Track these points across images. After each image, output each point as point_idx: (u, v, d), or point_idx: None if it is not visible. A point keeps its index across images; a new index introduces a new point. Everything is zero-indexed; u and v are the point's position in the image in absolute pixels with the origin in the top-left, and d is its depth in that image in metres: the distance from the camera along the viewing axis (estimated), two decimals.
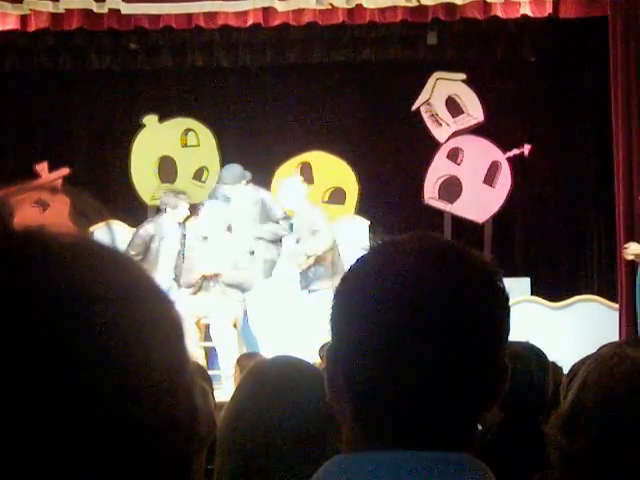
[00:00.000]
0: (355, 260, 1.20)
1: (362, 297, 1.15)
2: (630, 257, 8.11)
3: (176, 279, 8.52)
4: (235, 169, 9.01)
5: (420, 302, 1.13)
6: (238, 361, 6.14)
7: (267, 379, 1.83)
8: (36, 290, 0.59)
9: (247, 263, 8.49)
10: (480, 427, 1.16)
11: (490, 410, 1.18)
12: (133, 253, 8.42)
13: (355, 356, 1.14)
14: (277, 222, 8.88)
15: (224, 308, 8.24)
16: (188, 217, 8.90)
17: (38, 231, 0.64)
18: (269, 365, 1.91)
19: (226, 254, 8.36)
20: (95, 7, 8.25)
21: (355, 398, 1.15)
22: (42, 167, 9.66)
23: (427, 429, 1.13)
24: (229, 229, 8.68)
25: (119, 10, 8.31)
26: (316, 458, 1.17)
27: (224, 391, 6.87)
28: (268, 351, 6.75)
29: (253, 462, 1.76)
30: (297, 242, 8.46)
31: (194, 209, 9.17)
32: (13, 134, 10.21)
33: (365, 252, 1.21)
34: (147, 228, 8.77)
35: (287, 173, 9.73)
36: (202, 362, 7.73)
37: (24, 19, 8.66)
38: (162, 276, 8.33)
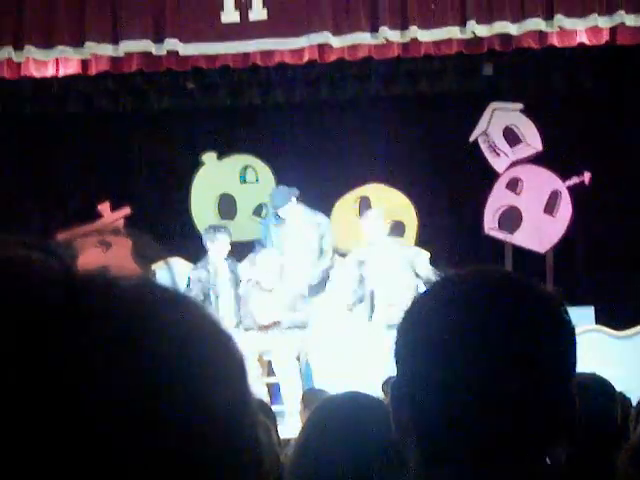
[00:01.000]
0: (419, 294, 1.20)
1: (428, 332, 1.14)
2: None
3: (236, 320, 8.52)
4: (281, 190, 9.07)
5: (486, 336, 1.12)
6: (303, 397, 6.14)
7: (333, 415, 1.83)
8: (100, 337, 0.60)
9: (302, 304, 8.48)
10: (549, 461, 1.14)
11: (559, 444, 1.16)
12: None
13: (421, 392, 1.14)
14: (324, 251, 8.85)
15: (285, 344, 8.26)
16: (243, 250, 8.94)
17: (101, 275, 0.64)
18: (336, 401, 1.91)
19: (282, 300, 8.37)
20: (154, 49, 8.38)
21: (421, 433, 1.14)
22: (104, 207, 9.80)
23: (495, 464, 1.12)
24: (282, 271, 8.66)
25: (177, 51, 8.43)
26: None
27: (288, 427, 6.85)
28: (328, 386, 6.73)
29: None
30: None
31: (254, 246, 9.22)
32: (76, 175, 10.38)
33: (428, 286, 1.20)
34: (200, 270, 8.75)
35: (346, 207, 9.75)
36: (265, 398, 7.74)
37: (85, 63, 8.82)
38: (222, 315, 8.38)
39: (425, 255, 8.62)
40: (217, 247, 8.72)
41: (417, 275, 8.39)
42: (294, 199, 8.94)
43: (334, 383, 6.82)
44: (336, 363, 8.43)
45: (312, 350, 8.51)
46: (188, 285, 8.60)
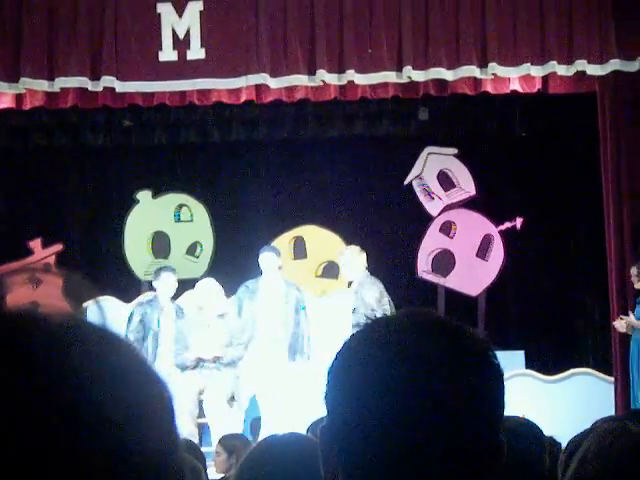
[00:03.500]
0: (349, 336, 1.20)
1: (358, 375, 1.14)
2: (622, 330, 8.13)
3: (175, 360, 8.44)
4: (273, 247, 9.04)
5: (417, 380, 1.12)
6: (221, 442, 6.05)
7: (268, 456, 1.82)
8: (24, 374, 0.59)
9: (239, 340, 8.44)
10: None
11: None
12: (132, 334, 8.36)
13: (351, 436, 1.13)
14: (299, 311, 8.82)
15: (219, 384, 8.19)
16: (179, 293, 8.88)
17: (29, 313, 0.64)
18: (272, 441, 1.90)
19: (220, 335, 8.32)
20: (90, 85, 8.33)
21: (349, 477, 1.14)
22: (36, 244, 9.68)
23: None
24: (239, 312, 8.62)
25: (114, 88, 8.39)
26: None
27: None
28: (271, 429, 6.65)
29: None
30: (353, 312, 8.49)
31: (188, 284, 9.15)
32: (7, 211, 10.24)
33: (358, 328, 1.20)
34: (141, 309, 8.69)
35: (280, 247, 9.75)
36: (195, 439, 7.65)
37: (19, 98, 8.74)
38: (162, 353, 8.30)
39: (378, 287, 8.73)
40: (163, 286, 8.68)
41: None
42: (279, 257, 8.87)
43: (286, 425, 6.77)
44: (286, 403, 8.37)
45: (265, 392, 8.46)
46: (130, 320, 8.52)
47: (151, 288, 9.18)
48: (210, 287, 8.54)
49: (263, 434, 7.67)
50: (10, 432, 0.58)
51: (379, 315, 1.23)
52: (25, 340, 0.61)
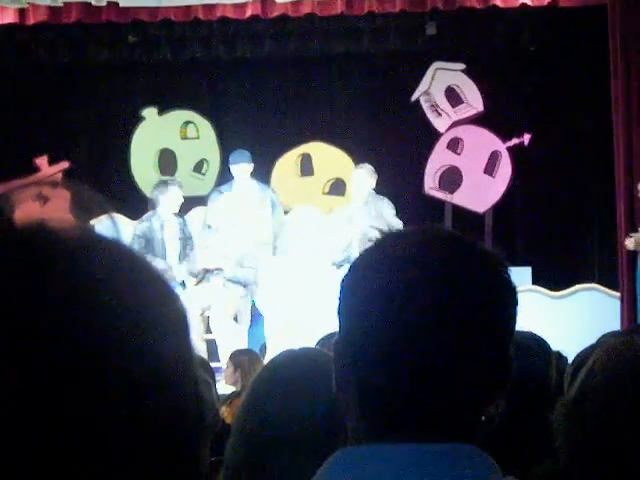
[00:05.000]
0: (361, 252, 1.20)
1: (368, 290, 1.14)
2: (631, 247, 8.14)
3: (182, 268, 8.48)
4: (241, 151, 9.01)
5: (425, 295, 1.12)
6: (231, 357, 6.16)
7: (282, 370, 1.83)
8: (42, 286, 0.59)
9: (252, 262, 8.46)
10: (483, 418, 1.15)
11: (495, 402, 1.17)
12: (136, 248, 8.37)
13: (361, 349, 1.14)
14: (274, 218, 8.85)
15: (224, 301, 8.26)
16: (184, 207, 8.88)
17: (42, 226, 0.63)
18: (286, 356, 1.90)
19: (232, 250, 8.36)
20: (94, 0, 8.23)
21: (362, 391, 1.14)
22: (42, 161, 9.65)
23: (432, 422, 1.13)
24: (235, 224, 8.66)
25: (117, 3, 8.29)
26: (327, 450, 1.16)
27: (225, 384, 6.87)
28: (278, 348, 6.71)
29: (264, 452, 1.75)
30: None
31: (195, 201, 9.15)
32: (12, 128, 10.20)
33: (370, 244, 1.20)
34: (145, 223, 8.70)
35: (287, 164, 9.73)
36: (204, 354, 7.74)
37: (22, 13, 8.64)
38: (168, 267, 8.32)
39: (392, 206, 8.74)
40: (168, 200, 8.66)
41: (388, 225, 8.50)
42: (250, 164, 8.87)
43: (292, 341, 6.84)
44: (293, 320, 8.44)
45: (266, 306, 8.52)
46: (133, 237, 8.54)
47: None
48: (226, 205, 8.55)
49: (271, 351, 7.76)
50: (30, 344, 0.58)
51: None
52: (40, 253, 0.61)
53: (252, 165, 8.88)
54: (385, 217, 8.52)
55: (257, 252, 8.53)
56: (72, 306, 0.60)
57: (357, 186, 8.86)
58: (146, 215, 8.88)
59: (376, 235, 1.19)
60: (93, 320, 0.60)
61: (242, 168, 8.76)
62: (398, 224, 8.25)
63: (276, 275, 8.63)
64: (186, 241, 8.59)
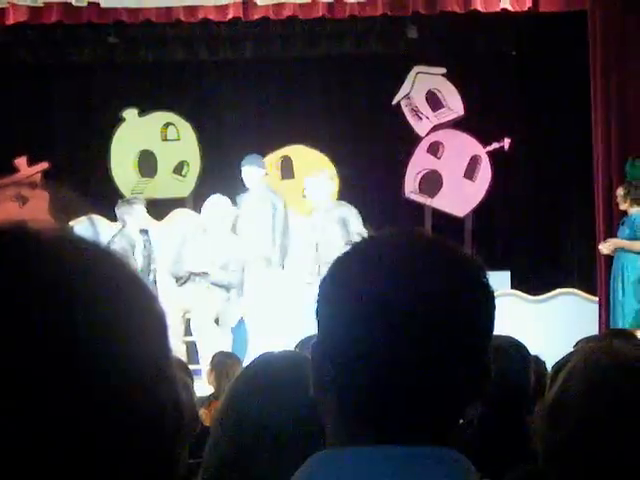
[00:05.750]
0: (340, 254, 1.20)
1: (348, 293, 1.14)
2: (605, 251, 8.19)
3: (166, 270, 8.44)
4: (255, 155, 8.94)
5: (405, 298, 1.12)
6: (212, 359, 6.17)
7: (260, 372, 1.83)
8: (18, 286, 0.59)
9: (236, 265, 8.42)
10: (461, 421, 1.16)
11: (473, 405, 1.18)
12: None
13: (340, 352, 1.14)
14: (275, 229, 8.77)
15: (206, 304, 8.24)
16: (163, 210, 8.84)
17: (19, 226, 0.63)
18: (264, 359, 1.91)
19: (217, 253, 8.33)
20: (74, 0, 8.20)
21: (340, 393, 1.15)
22: (21, 161, 9.59)
23: (411, 424, 1.13)
24: (233, 228, 8.60)
25: (99, 3, 8.26)
26: (306, 452, 1.16)
27: (203, 386, 6.86)
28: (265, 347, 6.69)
29: (243, 454, 1.75)
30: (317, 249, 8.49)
31: (175, 203, 9.13)
32: None
33: (350, 246, 1.20)
34: (115, 245, 8.54)
35: (268, 167, 9.70)
36: (183, 357, 7.72)
37: (2, 12, 8.60)
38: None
39: (356, 212, 8.68)
40: (134, 220, 8.54)
41: (349, 232, 8.45)
42: (262, 168, 8.83)
43: (271, 345, 6.83)
44: (274, 325, 8.42)
45: (249, 312, 8.51)
46: None
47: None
48: (217, 204, 8.49)
49: (251, 354, 7.75)
50: (6, 343, 0.58)
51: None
52: (18, 253, 0.61)
53: (263, 170, 8.81)
54: (348, 224, 8.45)
55: (246, 257, 8.49)
56: (49, 306, 0.60)
57: (314, 193, 8.79)
58: (113, 234, 8.66)
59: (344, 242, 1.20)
60: (70, 320, 0.60)
61: (249, 172, 8.69)
62: (361, 232, 8.12)
63: (257, 278, 8.62)
64: (149, 258, 8.52)
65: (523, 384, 3.06)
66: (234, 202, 8.71)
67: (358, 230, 8.28)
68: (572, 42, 9.35)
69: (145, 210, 8.62)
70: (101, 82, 10.32)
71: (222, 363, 5.97)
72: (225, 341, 8.35)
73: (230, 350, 8.21)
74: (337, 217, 8.54)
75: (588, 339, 5.89)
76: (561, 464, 1.52)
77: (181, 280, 8.35)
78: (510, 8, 8.66)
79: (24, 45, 9.83)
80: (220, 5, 8.54)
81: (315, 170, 9.92)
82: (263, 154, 10.05)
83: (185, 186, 10.05)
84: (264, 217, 8.62)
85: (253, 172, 8.70)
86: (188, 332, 8.44)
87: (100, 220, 8.79)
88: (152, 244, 8.61)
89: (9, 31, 9.24)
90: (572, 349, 5.89)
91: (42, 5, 8.32)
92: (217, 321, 8.42)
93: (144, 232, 8.66)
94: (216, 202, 8.50)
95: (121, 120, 10.20)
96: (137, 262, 8.39)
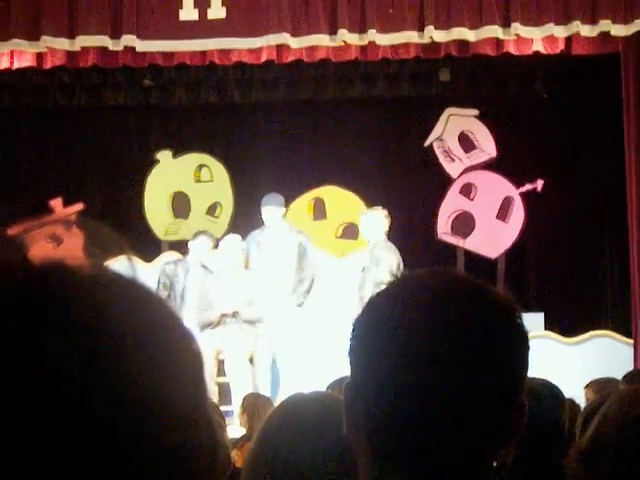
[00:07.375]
0: (374, 294, 1.20)
1: (383, 332, 1.14)
2: None
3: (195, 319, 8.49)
4: (275, 194, 8.99)
5: (442, 338, 1.12)
6: (243, 401, 6.17)
7: (291, 413, 1.83)
8: (58, 324, 0.59)
9: (262, 299, 8.46)
10: (495, 464, 1.15)
11: (507, 447, 1.17)
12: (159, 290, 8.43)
13: (374, 392, 1.13)
14: (304, 268, 8.78)
15: (240, 343, 8.24)
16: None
17: (57, 264, 0.64)
18: (295, 399, 1.91)
19: (242, 291, 8.36)
20: (111, 44, 8.31)
21: (373, 434, 1.14)
22: (56, 203, 9.69)
23: (444, 465, 1.13)
24: (246, 265, 8.66)
25: (134, 47, 8.37)
26: None
27: (236, 427, 6.84)
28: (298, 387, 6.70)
29: None
30: (363, 270, 8.46)
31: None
32: (28, 170, 10.27)
33: (384, 286, 1.20)
34: (171, 266, 8.78)
35: (300, 208, 9.74)
36: (215, 398, 7.71)
37: (40, 56, 8.72)
38: (187, 313, 8.33)
39: (391, 256, 8.63)
40: (195, 248, 8.71)
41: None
42: (281, 206, 8.88)
43: (304, 383, 6.81)
44: (305, 363, 8.41)
45: (280, 350, 8.51)
46: (159, 281, 8.60)
47: (171, 248, 9.20)
48: (233, 243, 8.59)
49: (282, 393, 7.73)
50: (40, 385, 0.58)
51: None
52: (58, 292, 0.61)
53: (282, 209, 8.87)
54: (380, 265, 8.36)
55: (270, 293, 8.51)
56: (89, 345, 0.60)
57: (366, 230, 8.80)
58: (174, 259, 8.93)
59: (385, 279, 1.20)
60: (108, 360, 0.60)
61: (269, 211, 8.76)
62: (385, 276, 8.03)
63: (289, 318, 8.62)
64: (206, 286, 8.61)
65: (557, 427, 3.03)
66: (251, 235, 8.81)
67: (388, 270, 8.24)
68: (604, 84, 9.34)
69: (209, 243, 8.73)
70: (136, 124, 10.43)
71: (253, 405, 5.96)
72: (263, 380, 8.35)
73: (269, 388, 8.22)
74: (397, 256, 8.50)
75: (597, 381, 5.88)
76: None
77: (212, 325, 8.35)
78: (543, 51, 8.67)
79: (60, 88, 9.97)
80: (254, 48, 8.61)
81: (350, 210, 9.94)
82: (295, 195, 10.09)
83: (218, 227, 10.09)
84: (286, 254, 8.66)
85: (272, 211, 8.76)
86: (220, 372, 8.44)
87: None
88: (210, 272, 8.68)
89: (46, 74, 9.37)
90: (584, 390, 5.85)
91: (79, 49, 8.43)
92: (251, 360, 8.42)
93: (205, 268, 8.75)
94: (232, 241, 8.60)
95: (155, 162, 10.29)
96: (195, 291, 8.50)
